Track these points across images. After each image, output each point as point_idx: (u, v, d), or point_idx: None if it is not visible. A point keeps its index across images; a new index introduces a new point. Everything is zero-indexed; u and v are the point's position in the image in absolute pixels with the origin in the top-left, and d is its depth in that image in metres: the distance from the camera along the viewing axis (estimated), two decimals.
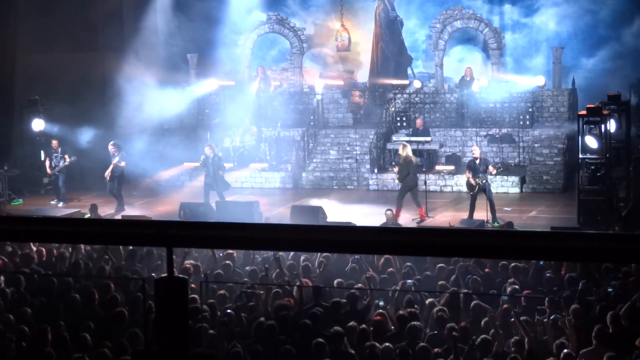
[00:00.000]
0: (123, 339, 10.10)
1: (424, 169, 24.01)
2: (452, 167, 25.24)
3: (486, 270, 13.23)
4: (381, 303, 11.53)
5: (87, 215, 20.33)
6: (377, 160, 26.27)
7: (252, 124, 27.48)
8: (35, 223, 4.48)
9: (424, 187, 21.37)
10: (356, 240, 3.93)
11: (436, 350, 9.97)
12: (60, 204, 23.73)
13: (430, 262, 13.67)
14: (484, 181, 20.09)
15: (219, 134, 27.80)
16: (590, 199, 19.50)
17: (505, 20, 29.45)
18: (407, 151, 21.30)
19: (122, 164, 22.94)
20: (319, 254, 13.70)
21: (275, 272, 13.29)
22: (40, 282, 13.06)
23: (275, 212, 21.79)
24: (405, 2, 30.20)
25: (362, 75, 30.72)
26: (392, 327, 10.99)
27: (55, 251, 14.88)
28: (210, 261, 14.22)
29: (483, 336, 10.14)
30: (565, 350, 9.73)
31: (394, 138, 26.65)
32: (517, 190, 24.46)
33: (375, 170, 25.89)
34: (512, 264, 13.04)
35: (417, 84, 28.29)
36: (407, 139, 25.80)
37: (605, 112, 19.90)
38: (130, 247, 14.34)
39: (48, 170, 24.22)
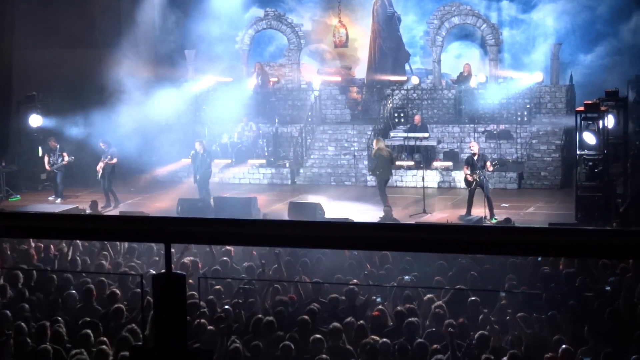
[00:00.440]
0: (121, 334, 10.10)
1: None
2: (449, 163, 25.25)
3: (485, 266, 13.25)
4: (378, 299, 11.55)
5: (88, 212, 20.32)
6: None
7: (250, 120, 27.47)
8: (33, 219, 4.48)
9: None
10: (354, 237, 3.93)
11: (434, 346, 9.98)
12: (58, 200, 23.73)
13: (428, 258, 13.67)
14: (481, 177, 20.10)
15: (217, 130, 27.81)
16: (588, 195, 19.51)
17: (503, 17, 29.44)
18: (380, 145, 21.49)
19: (114, 160, 23.01)
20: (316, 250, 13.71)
21: (274, 267, 13.30)
22: (38, 278, 13.06)
23: (273, 208, 21.79)
24: None
25: (360, 72, 30.71)
26: (390, 323, 11.00)
27: (52, 247, 14.88)
28: (208, 257, 14.22)
29: (480, 332, 10.15)
30: (563, 347, 9.74)
31: (391, 134, 26.65)
32: (515, 186, 24.49)
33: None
34: (510, 260, 13.05)
35: (414, 80, 28.28)
36: (405, 135, 25.85)
37: (602, 108, 19.91)
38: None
39: (47, 167, 24.22)
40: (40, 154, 25.41)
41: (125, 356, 9.42)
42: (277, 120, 27.71)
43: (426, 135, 25.65)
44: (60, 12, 27.17)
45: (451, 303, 11.45)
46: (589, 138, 19.47)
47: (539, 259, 13.09)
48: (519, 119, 26.25)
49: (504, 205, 21.52)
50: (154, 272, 11.91)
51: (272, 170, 26.52)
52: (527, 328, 10.40)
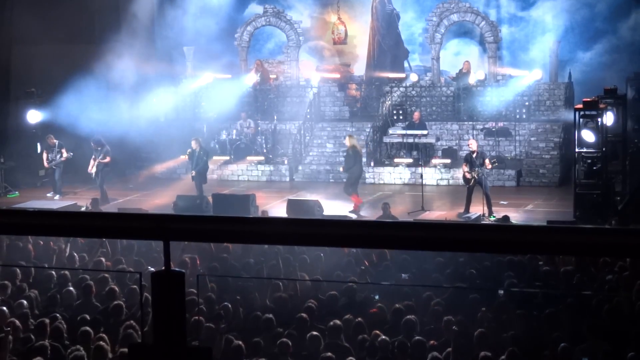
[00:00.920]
0: (120, 332, 10.11)
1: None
2: (448, 161, 25.26)
3: (484, 263, 13.24)
4: (377, 297, 11.55)
5: (87, 208, 20.31)
6: (373, 154, 26.27)
7: (249, 117, 27.46)
8: (32, 216, 4.48)
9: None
10: (353, 234, 3.93)
11: (432, 342, 9.99)
12: (57, 197, 23.72)
13: (426, 255, 13.67)
14: (480, 175, 20.10)
15: (215, 127, 27.81)
16: (587, 192, 19.51)
17: (502, 14, 29.42)
18: (353, 142, 21.65)
19: (107, 159, 23.03)
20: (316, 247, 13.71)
21: (271, 264, 13.30)
22: (37, 275, 13.05)
23: (271, 205, 21.78)
24: None
25: (359, 69, 30.70)
26: (388, 320, 11.00)
27: (52, 243, 14.88)
28: (207, 254, 14.22)
29: (480, 330, 10.15)
30: (561, 344, 9.75)
31: (390, 131, 26.66)
32: (513, 183, 24.50)
33: (372, 164, 25.89)
34: (508, 258, 13.05)
35: (413, 77, 28.28)
36: (404, 132, 25.85)
37: (601, 105, 19.92)
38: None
39: (45, 164, 24.21)
40: (39, 151, 25.39)
41: (124, 353, 9.43)
42: (275, 117, 27.71)
43: (425, 132, 25.66)
44: (59, 8, 27.12)
45: (449, 301, 11.45)
46: (588, 136, 19.47)
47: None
48: (518, 116, 26.27)
49: (502, 202, 21.52)
50: (152, 269, 11.91)
51: (270, 167, 26.52)
52: (525, 326, 10.41)
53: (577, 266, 12.91)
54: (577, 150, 19.78)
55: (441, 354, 9.67)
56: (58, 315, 10.96)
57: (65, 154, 23.80)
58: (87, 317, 10.77)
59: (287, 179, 26.23)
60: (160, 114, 28.59)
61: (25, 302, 11.52)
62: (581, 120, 19.63)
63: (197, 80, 29.14)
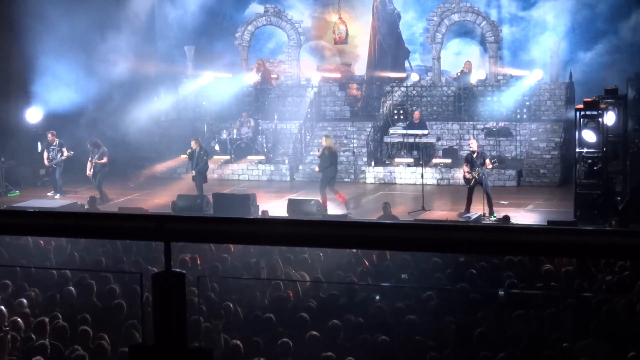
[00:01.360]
0: (121, 331, 10.10)
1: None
2: (449, 161, 25.25)
3: (484, 263, 13.24)
4: (377, 297, 11.55)
5: (85, 207, 20.34)
6: (374, 154, 26.28)
7: (250, 117, 27.46)
8: (31, 217, 4.47)
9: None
10: (354, 235, 3.93)
11: (431, 343, 9.98)
12: (57, 196, 23.72)
13: (426, 255, 13.67)
14: (480, 175, 20.10)
15: (216, 126, 27.82)
16: (587, 192, 19.50)
17: (502, 14, 29.41)
18: (329, 142, 21.75)
19: (104, 160, 23.04)
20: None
21: (271, 265, 13.30)
22: (37, 274, 13.05)
23: (271, 205, 21.77)
24: None
25: (360, 68, 30.70)
26: (388, 320, 11.00)
27: (53, 242, 14.88)
28: (207, 254, 14.22)
29: (480, 329, 10.15)
30: (563, 345, 9.74)
31: (391, 131, 26.66)
32: (514, 183, 24.49)
33: (372, 164, 25.89)
34: (507, 257, 13.04)
35: (414, 77, 28.28)
36: (404, 132, 25.85)
37: (602, 106, 19.91)
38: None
39: (46, 163, 24.22)
40: (39, 150, 25.40)
41: (124, 353, 9.42)
42: (276, 117, 27.70)
43: (425, 132, 25.66)
44: (60, 7, 27.10)
45: (449, 301, 11.45)
46: (589, 136, 19.46)
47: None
48: (519, 116, 26.26)
49: (503, 202, 21.51)
50: (154, 269, 11.92)
51: (271, 166, 26.51)
52: (526, 326, 10.40)
53: (577, 266, 12.90)
54: (577, 150, 19.77)
55: (441, 354, 9.67)
56: (58, 314, 10.95)
57: (65, 153, 23.80)
58: (88, 316, 10.76)
59: (288, 178, 26.22)
60: (161, 113, 28.61)
61: (25, 301, 11.52)
62: (582, 120, 19.62)
63: (197, 79, 29.13)
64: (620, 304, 10.90)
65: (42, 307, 11.62)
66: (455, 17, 28.24)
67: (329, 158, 21.56)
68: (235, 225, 4.03)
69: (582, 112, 19.64)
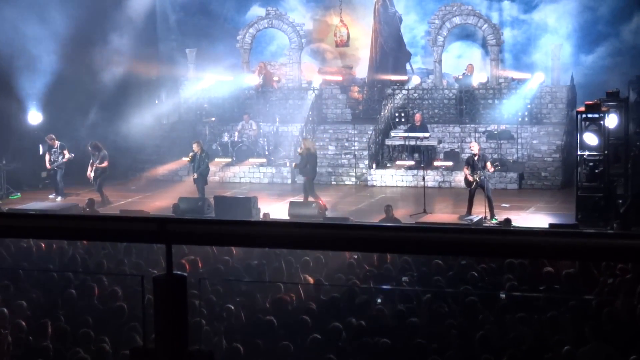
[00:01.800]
0: (122, 334, 10.10)
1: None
2: (450, 163, 25.24)
3: (485, 266, 13.23)
4: (379, 300, 11.54)
5: (85, 210, 20.35)
6: (375, 156, 26.28)
7: (251, 119, 27.46)
8: (32, 219, 4.47)
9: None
10: (355, 238, 3.93)
11: (433, 346, 9.97)
12: (59, 199, 23.75)
13: (426, 257, 13.66)
14: (482, 177, 20.09)
15: (217, 129, 27.83)
16: (589, 195, 19.50)
17: (504, 17, 29.42)
18: (307, 144, 22.06)
19: (104, 164, 23.03)
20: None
21: (273, 266, 13.30)
22: (38, 277, 13.05)
23: (273, 207, 21.76)
24: None
25: (361, 71, 30.70)
26: (390, 323, 10.99)
27: (54, 245, 14.87)
28: (208, 257, 14.21)
29: (481, 332, 10.14)
30: (565, 348, 9.73)
31: (392, 134, 26.66)
32: (515, 186, 24.48)
33: (374, 166, 25.89)
34: (508, 260, 13.02)
35: (415, 79, 28.28)
36: (405, 135, 25.84)
37: (603, 108, 19.91)
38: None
39: (47, 165, 24.23)
40: (41, 152, 25.41)
41: (125, 356, 9.42)
42: (277, 120, 27.70)
43: (426, 135, 25.64)
44: (61, 9, 27.12)
45: (451, 303, 11.44)
46: (590, 138, 19.46)
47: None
48: (520, 119, 26.25)
49: (504, 205, 21.50)
50: (155, 271, 11.91)
51: (272, 169, 26.51)
52: (527, 329, 10.39)
53: (579, 269, 12.89)
54: (579, 153, 19.77)
55: (442, 357, 9.67)
56: (60, 316, 10.95)
57: (67, 155, 23.82)
58: (89, 319, 10.76)
59: (289, 181, 26.20)
60: (163, 116, 28.61)
61: (25, 303, 11.51)
62: (583, 123, 19.61)
63: (199, 82, 29.14)
64: (621, 307, 10.89)
65: (44, 310, 11.61)
66: (457, 20, 28.23)
67: (307, 159, 21.80)
68: (236, 228, 4.02)
69: (584, 115, 19.63)
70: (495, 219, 19.81)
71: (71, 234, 4.84)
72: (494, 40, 27.88)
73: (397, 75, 28.99)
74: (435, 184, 24.77)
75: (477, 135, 25.93)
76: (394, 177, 25.47)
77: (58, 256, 14.50)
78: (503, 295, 11.37)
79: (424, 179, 22.19)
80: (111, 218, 4.29)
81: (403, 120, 27.26)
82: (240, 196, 22.19)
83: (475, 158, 20.40)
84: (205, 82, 29.06)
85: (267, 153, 26.91)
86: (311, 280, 12.77)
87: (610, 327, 10.31)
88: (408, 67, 29.73)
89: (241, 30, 30.07)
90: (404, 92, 28.09)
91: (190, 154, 22.60)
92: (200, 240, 4.65)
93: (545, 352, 9.89)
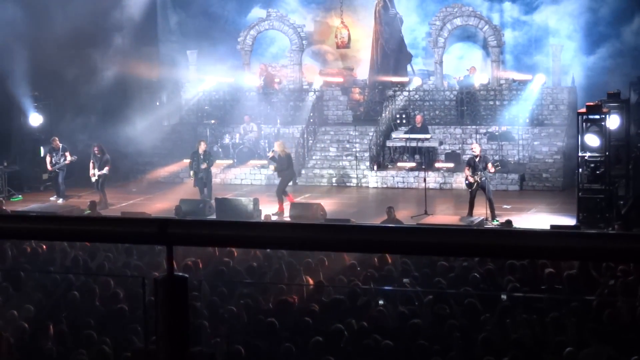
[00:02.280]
0: (123, 336, 10.10)
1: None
2: (451, 165, 25.24)
3: (486, 267, 13.22)
4: (380, 302, 11.53)
5: (87, 212, 20.37)
6: (376, 158, 26.28)
7: (252, 121, 27.47)
8: (32, 221, 4.46)
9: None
10: (357, 239, 3.92)
11: (435, 347, 9.97)
12: (60, 201, 23.76)
13: (428, 258, 13.66)
14: (483, 179, 20.09)
15: (219, 130, 27.84)
16: (590, 197, 19.49)
17: (505, 18, 29.43)
18: (282, 147, 22.35)
19: (105, 170, 22.98)
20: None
21: (274, 268, 13.29)
22: (39, 279, 13.05)
23: (274, 209, 21.78)
24: None
25: (362, 73, 30.70)
26: (391, 324, 10.99)
27: (56, 247, 14.88)
28: (210, 258, 14.21)
29: (483, 333, 10.14)
30: (567, 349, 9.72)
31: (393, 135, 26.67)
32: (516, 187, 24.47)
33: (375, 168, 25.90)
34: (509, 261, 13.02)
35: (416, 81, 28.28)
36: (406, 136, 25.85)
37: (604, 110, 19.90)
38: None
39: (49, 167, 24.24)
40: (42, 154, 25.42)
41: (126, 357, 9.42)
42: (278, 121, 27.71)
43: (427, 136, 25.65)
44: (62, 11, 27.15)
45: (452, 305, 11.43)
46: (591, 140, 19.45)
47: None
48: (521, 120, 26.25)
49: (505, 206, 21.51)
50: (155, 273, 11.90)
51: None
52: (529, 330, 10.39)
53: (580, 270, 12.88)
54: (580, 154, 19.76)
55: (444, 358, 9.66)
56: (62, 318, 10.95)
57: (69, 157, 23.84)
58: (91, 320, 10.76)
59: (290, 182, 26.17)
60: (164, 118, 28.62)
61: (28, 305, 11.51)
62: (584, 124, 19.61)
63: (200, 84, 29.15)
64: (622, 308, 10.88)
65: (46, 311, 11.61)
66: (458, 21, 28.24)
67: (286, 160, 22.01)
68: (237, 229, 4.02)
69: (585, 116, 19.63)
70: (497, 221, 19.81)
71: (72, 236, 4.83)
72: (495, 42, 27.88)
73: (398, 77, 28.99)
74: (436, 186, 24.77)
75: (478, 136, 25.93)
76: (395, 179, 25.48)
77: (60, 258, 14.49)
78: (504, 297, 11.36)
79: (425, 180, 22.20)
80: (112, 220, 4.28)
81: (404, 121, 27.26)
82: (242, 198, 22.20)
83: (476, 159, 20.40)
84: (206, 84, 29.08)
85: (268, 155, 26.90)
86: (312, 282, 12.76)
87: (611, 329, 10.30)
88: (409, 68, 29.74)
89: (242, 32, 30.09)
90: (405, 93, 28.09)
91: (193, 152, 22.77)
92: (201, 241, 4.64)
93: (547, 354, 9.88)
